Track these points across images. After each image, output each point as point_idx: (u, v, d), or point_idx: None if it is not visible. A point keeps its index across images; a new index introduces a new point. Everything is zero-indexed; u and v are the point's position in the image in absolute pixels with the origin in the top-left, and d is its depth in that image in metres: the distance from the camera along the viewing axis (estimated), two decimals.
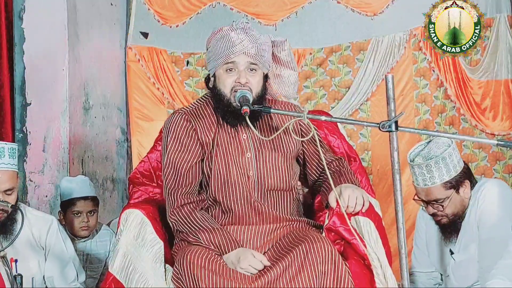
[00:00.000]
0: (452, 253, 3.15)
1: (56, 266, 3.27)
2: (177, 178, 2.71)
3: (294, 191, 2.79)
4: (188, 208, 2.67)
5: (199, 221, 2.63)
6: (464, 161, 3.14)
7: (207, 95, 2.84)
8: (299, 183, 2.92)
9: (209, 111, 2.79)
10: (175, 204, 2.68)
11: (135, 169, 3.05)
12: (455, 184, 3.04)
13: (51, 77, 4.52)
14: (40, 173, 4.48)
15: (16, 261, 3.06)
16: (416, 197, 3.14)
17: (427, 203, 3.10)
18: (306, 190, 3.00)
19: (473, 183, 3.12)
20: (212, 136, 2.74)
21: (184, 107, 2.87)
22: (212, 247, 2.57)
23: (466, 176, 3.09)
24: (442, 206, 3.06)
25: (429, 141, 3.10)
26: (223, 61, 2.68)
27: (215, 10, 5.23)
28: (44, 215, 3.38)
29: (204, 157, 2.74)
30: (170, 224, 2.71)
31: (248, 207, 2.68)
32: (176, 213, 2.67)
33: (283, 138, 2.78)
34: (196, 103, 2.85)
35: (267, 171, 2.72)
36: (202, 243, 2.58)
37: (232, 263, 2.52)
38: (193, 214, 2.65)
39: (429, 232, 3.27)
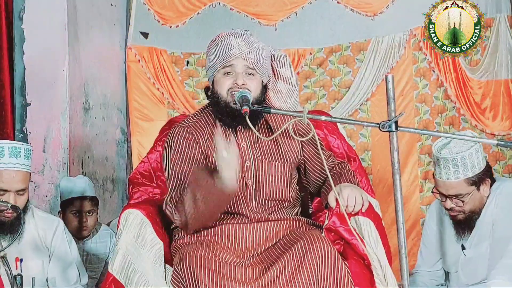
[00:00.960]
0: (463, 248, 3.16)
1: (59, 267, 3.28)
2: (183, 191, 2.63)
3: (292, 201, 2.78)
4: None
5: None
6: (486, 160, 3.15)
7: (207, 107, 2.84)
8: (297, 187, 2.91)
9: (209, 123, 2.78)
10: (173, 205, 2.63)
11: (135, 169, 3.05)
12: (477, 181, 3.04)
13: (51, 77, 4.52)
14: (40, 173, 4.48)
15: (21, 260, 3.07)
16: (434, 190, 3.14)
17: (446, 197, 3.10)
18: (302, 194, 2.99)
19: (492, 181, 3.12)
20: (213, 147, 2.71)
21: (184, 121, 2.83)
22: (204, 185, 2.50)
23: (488, 174, 3.10)
24: (463, 201, 3.06)
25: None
26: (221, 65, 2.68)
27: (215, 10, 5.23)
28: (50, 217, 3.39)
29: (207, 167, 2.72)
30: (168, 213, 2.64)
31: (245, 214, 2.67)
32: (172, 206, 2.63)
33: (284, 147, 2.77)
34: (196, 115, 2.84)
35: (266, 180, 2.71)
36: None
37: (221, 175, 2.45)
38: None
39: (439, 232, 3.27)
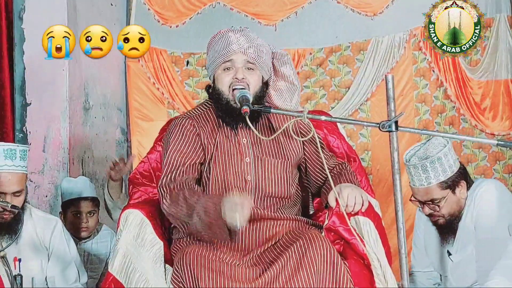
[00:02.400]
0: (449, 254, 3.16)
1: (58, 267, 3.28)
2: (174, 174, 2.67)
3: (293, 198, 2.78)
4: (179, 185, 2.61)
5: (188, 200, 2.55)
6: (460, 162, 3.15)
7: (209, 102, 2.84)
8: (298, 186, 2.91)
9: (211, 117, 2.79)
10: (168, 190, 2.62)
11: (135, 169, 3.05)
12: (451, 185, 3.05)
13: (51, 77, 4.52)
14: (40, 173, 4.48)
15: (19, 260, 3.07)
16: (412, 198, 3.15)
17: (423, 203, 3.10)
18: (303, 194, 2.98)
19: (469, 183, 3.12)
20: (213, 141, 2.74)
21: (188, 112, 2.87)
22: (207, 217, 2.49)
23: (462, 177, 3.10)
24: (438, 206, 3.07)
25: (425, 142, 3.11)
26: (221, 61, 2.70)
27: (215, 10, 5.23)
28: (48, 216, 3.40)
29: (204, 162, 2.74)
30: (164, 211, 2.64)
31: None
32: (167, 199, 2.61)
33: (285, 145, 2.77)
34: (198, 109, 2.85)
35: (266, 177, 2.71)
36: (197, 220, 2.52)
37: (224, 212, 2.44)
38: (182, 193, 2.58)
39: (427, 233, 3.27)
